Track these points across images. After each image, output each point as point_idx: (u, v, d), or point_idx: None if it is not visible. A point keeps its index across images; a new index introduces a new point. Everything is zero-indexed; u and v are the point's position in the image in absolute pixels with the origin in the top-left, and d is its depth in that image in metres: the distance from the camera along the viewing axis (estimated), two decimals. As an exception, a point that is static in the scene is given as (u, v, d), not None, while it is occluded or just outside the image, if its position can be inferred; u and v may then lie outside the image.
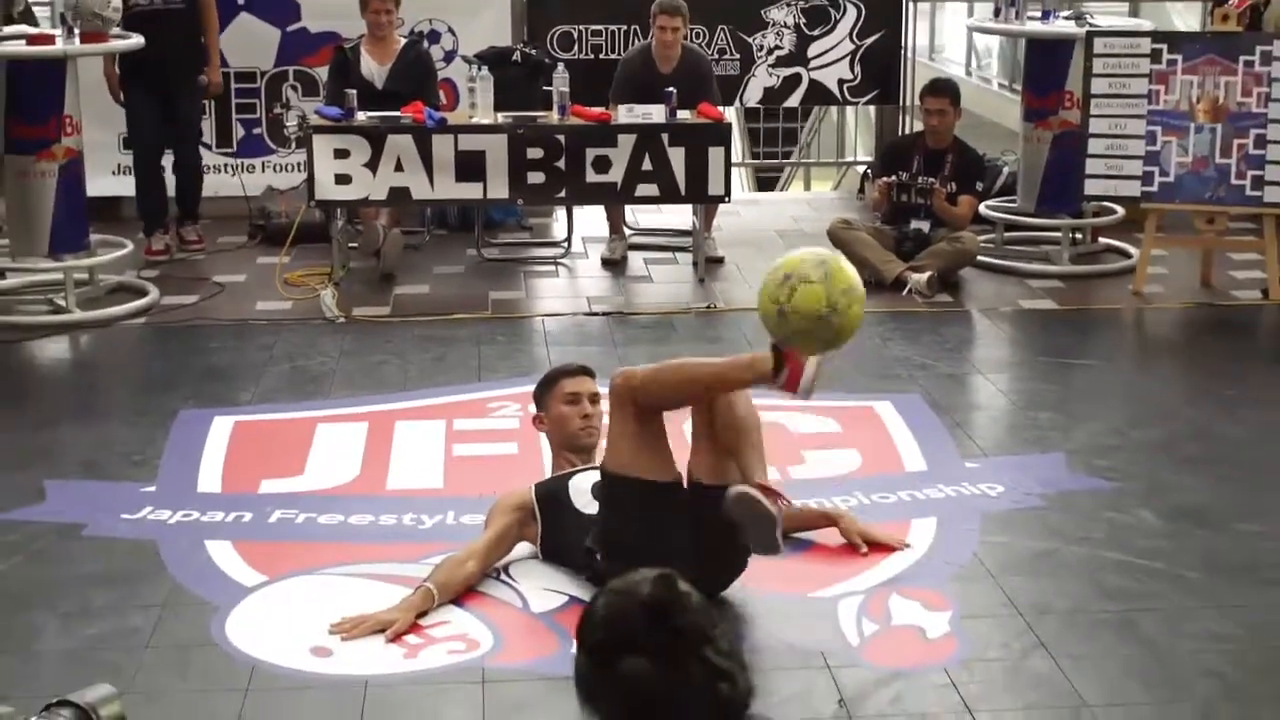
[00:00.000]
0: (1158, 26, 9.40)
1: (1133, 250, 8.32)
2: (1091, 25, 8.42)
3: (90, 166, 7.84)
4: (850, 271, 4.04)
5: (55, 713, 2.14)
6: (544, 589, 4.54)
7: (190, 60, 8.32)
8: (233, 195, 9.05)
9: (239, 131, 9.20)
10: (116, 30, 7.52)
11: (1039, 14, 8.86)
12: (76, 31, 7.30)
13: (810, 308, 3.91)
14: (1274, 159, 7.66)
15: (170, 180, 8.51)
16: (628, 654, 2.09)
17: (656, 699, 2.08)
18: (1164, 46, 7.88)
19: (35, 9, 9.31)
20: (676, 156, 7.65)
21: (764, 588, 4.55)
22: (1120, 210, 8.44)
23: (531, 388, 5.08)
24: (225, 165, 9.09)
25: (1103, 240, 8.72)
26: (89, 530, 4.98)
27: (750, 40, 9.64)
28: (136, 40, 7.65)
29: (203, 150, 8.77)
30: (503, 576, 4.64)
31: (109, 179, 8.90)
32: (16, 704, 3.35)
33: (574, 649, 2.18)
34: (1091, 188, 8.06)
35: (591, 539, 4.41)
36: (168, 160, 8.45)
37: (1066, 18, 8.83)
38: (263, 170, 9.29)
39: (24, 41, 7.40)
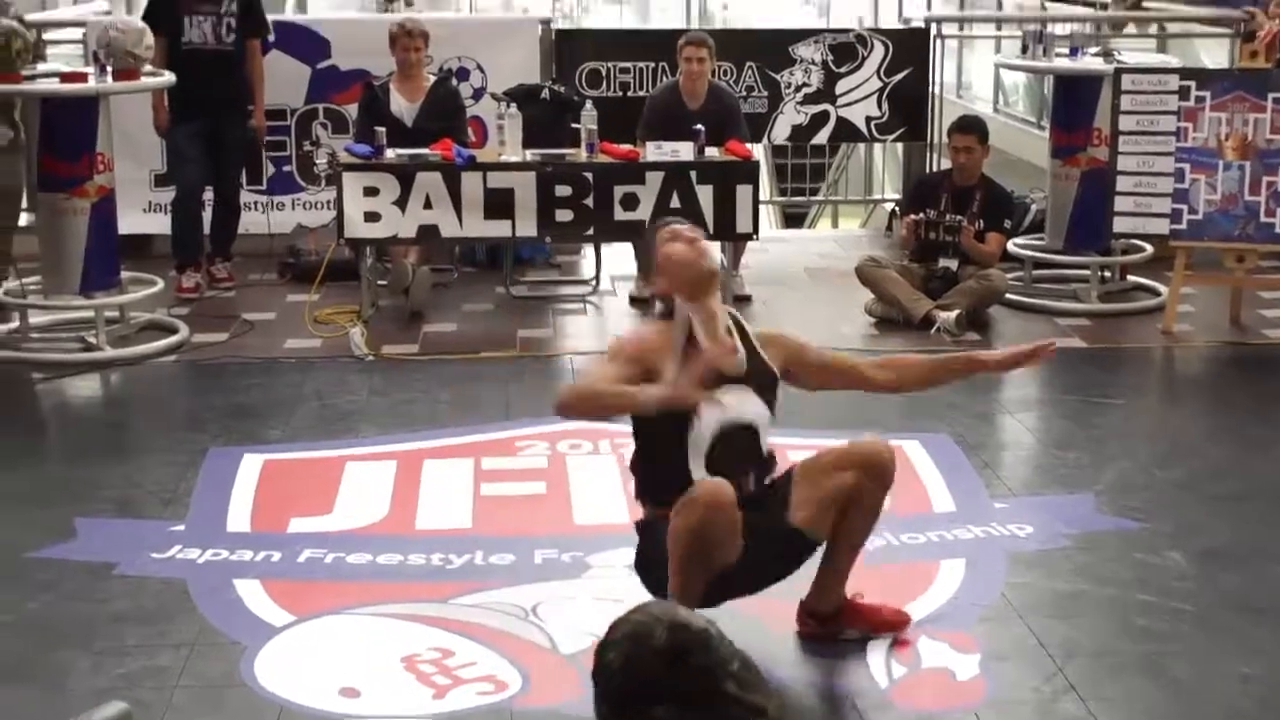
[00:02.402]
0: (1185, 63, 9.41)
1: (1162, 288, 8.31)
2: (1119, 62, 8.43)
3: (121, 204, 7.88)
4: None
5: None
6: (572, 630, 4.55)
7: (238, 101, 8.39)
8: (262, 233, 9.09)
9: (269, 169, 9.24)
10: (148, 68, 7.57)
11: (1067, 51, 8.88)
12: (109, 69, 7.35)
13: None
14: (1304, 197, 7.68)
15: (206, 218, 8.54)
16: (654, 703, 2.06)
17: None
18: (1192, 83, 7.89)
19: (57, 45, 9.36)
20: (705, 194, 7.66)
21: (793, 629, 4.55)
22: (1149, 248, 8.45)
23: (560, 426, 5.06)
24: (255, 203, 9.12)
25: (1131, 278, 8.72)
26: (119, 569, 5.00)
27: (778, 77, 9.66)
28: (168, 78, 7.71)
29: (233, 187, 8.81)
30: (531, 617, 4.65)
31: (140, 216, 8.94)
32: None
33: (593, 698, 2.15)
34: (1120, 225, 8.07)
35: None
36: (205, 197, 8.49)
37: (1094, 55, 8.84)
38: (292, 208, 9.33)
39: (57, 79, 7.45)
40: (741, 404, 4.26)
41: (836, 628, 4.53)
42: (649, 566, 4.39)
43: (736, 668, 2.09)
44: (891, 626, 4.55)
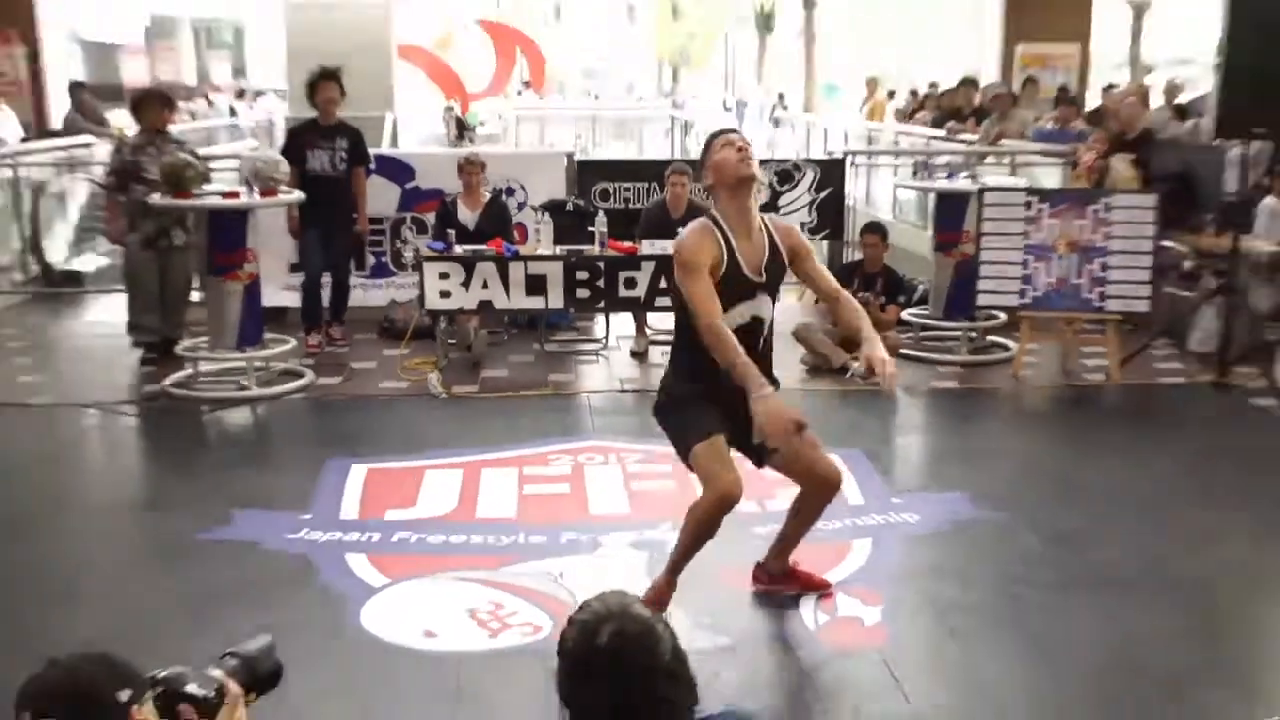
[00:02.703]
0: (1030, 184, 9.47)
1: (1013, 345, 8.34)
2: (982, 184, 8.49)
3: (265, 285, 7.93)
4: None
5: (225, 661, 2.14)
6: (589, 589, 4.55)
7: (346, 212, 8.43)
8: (366, 305, 9.14)
9: (370, 260, 9.29)
10: (284, 189, 7.65)
11: (945, 175, 8.95)
12: (255, 189, 7.43)
13: None
14: (1113, 279, 7.72)
15: (325, 294, 8.60)
16: (597, 680, 1.99)
17: (617, 711, 1.99)
18: (1035, 198, 7.95)
19: (220, 171, 9.44)
20: (684, 278, 7.69)
21: (749, 586, 4.60)
22: (1004, 316, 8.47)
23: (580, 444, 5.05)
24: (361, 284, 9.16)
25: (991, 338, 8.73)
26: (263, 545, 5.05)
27: (737, 194, 9.69)
28: (299, 195, 7.77)
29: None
30: (559, 580, 4.68)
31: (279, 293, 8.97)
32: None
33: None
34: (982, 300, 8.10)
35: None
36: (325, 279, 8.55)
37: (965, 177, 8.90)
38: (388, 287, 9.37)
39: (220, 197, 7.52)
40: (758, 309, 4.14)
41: (781, 584, 4.56)
42: (667, 413, 4.26)
43: (669, 661, 2.00)
44: (817, 588, 4.58)
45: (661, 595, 4.22)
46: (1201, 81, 15.28)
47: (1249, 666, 4.21)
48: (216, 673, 2.08)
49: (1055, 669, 4.06)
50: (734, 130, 4.35)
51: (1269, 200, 8.80)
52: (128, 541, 5.26)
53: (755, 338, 4.15)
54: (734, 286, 4.08)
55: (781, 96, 33.44)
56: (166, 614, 4.42)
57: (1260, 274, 8.45)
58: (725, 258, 4.07)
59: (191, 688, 2.00)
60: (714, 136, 4.28)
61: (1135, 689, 3.93)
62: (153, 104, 8.12)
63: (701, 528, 4.14)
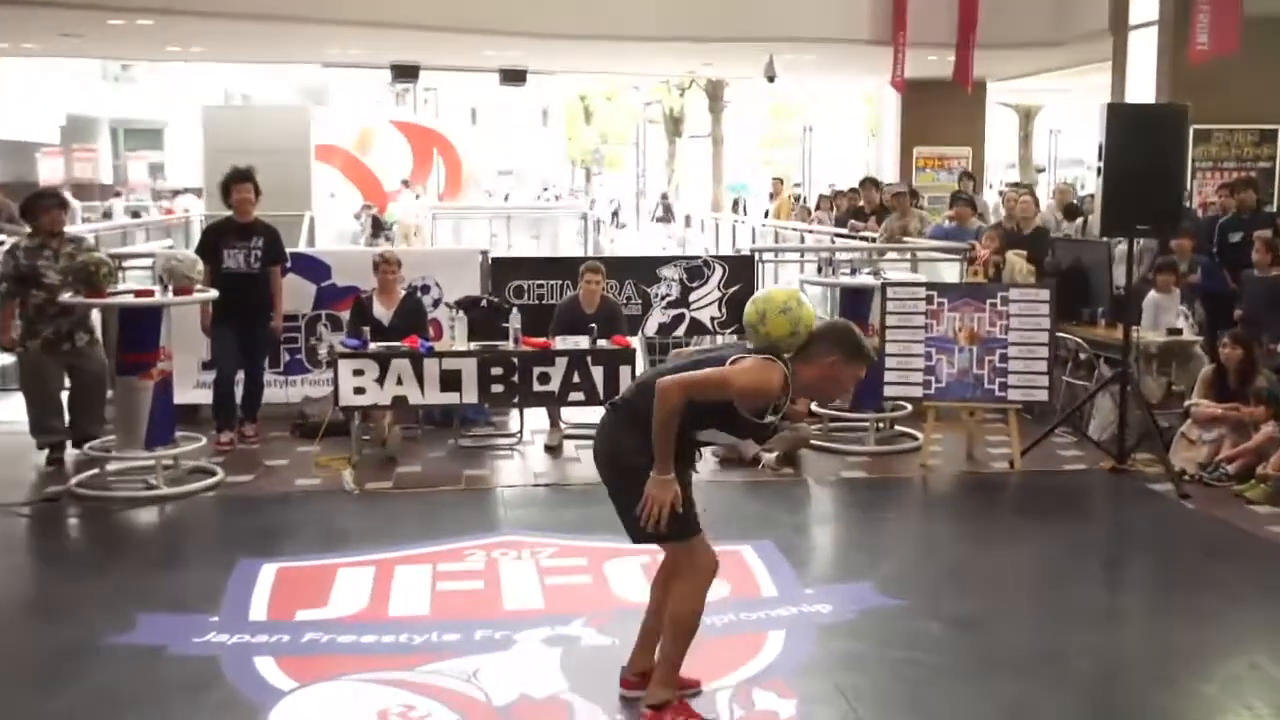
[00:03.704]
0: (930, 279, 9.63)
1: (919, 434, 8.40)
2: (885, 279, 8.60)
3: (176, 382, 7.73)
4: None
5: None
6: (502, 688, 4.45)
7: (263, 309, 8.31)
8: (280, 402, 8.98)
9: (285, 356, 9.15)
10: (198, 287, 7.52)
11: (849, 271, 9.05)
12: (170, 288, 7.29)
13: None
14: (1013, 369, 7.83)
15: (238, 392, 8.43)
16: None
17: None
18: (935, 293, 8.07)
19: (133, 270, 9.27)
20: (597, 373, 7.68)
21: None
22: (909, 406, 8.54)
23: (494, 539, 4.93)
24: (275, 380, 9.01)
25: (898, 428, 8.80)
26: (169, 650, 4.83)
27: (649, 290, 9.76)
28: (213, 294, 7.66)
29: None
30: (472, 680, 4.54)
31: (191, 391, 8.79)
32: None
33: None
34: (889, 391, 8.16)
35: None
36: (238, 377, 8.39)
37: (868, 273, 9.02)
38: (302, 384, 9.22)
39: (133, 295, 7.37)
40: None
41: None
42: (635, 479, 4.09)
43: None
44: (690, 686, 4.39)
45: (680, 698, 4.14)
46: (1089, 181, 15.75)
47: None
48: None
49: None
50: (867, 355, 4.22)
51: (1153, 294, 9.07)
52: (22, 649, 5.00)
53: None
54: (734, 421, 4.06)
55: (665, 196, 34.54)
56: (65, 724, 4.20)
57: (1151, 364, 8.67)
58: (770, 410, 4.05)
59: None
60: (854, 353, 4.17)
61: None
62: (46, 206, 7.80)
63: (700, 608, 4.07)
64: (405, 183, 24.40)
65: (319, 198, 23.47)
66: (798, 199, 20.96)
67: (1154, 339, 8.69)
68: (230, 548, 6.15)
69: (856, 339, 4.16)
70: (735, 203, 23.48)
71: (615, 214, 44.66)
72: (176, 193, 24.07)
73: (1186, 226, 9.54)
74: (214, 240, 8.28)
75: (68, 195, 10.55)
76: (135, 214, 22.71)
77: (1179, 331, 8.79)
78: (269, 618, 5.22)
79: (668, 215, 35.97)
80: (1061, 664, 4.73)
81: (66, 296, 7.22)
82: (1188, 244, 9.76)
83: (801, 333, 4.09)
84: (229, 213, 8.39)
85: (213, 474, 7.45)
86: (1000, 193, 15.75)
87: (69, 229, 8.31)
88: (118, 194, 23.94)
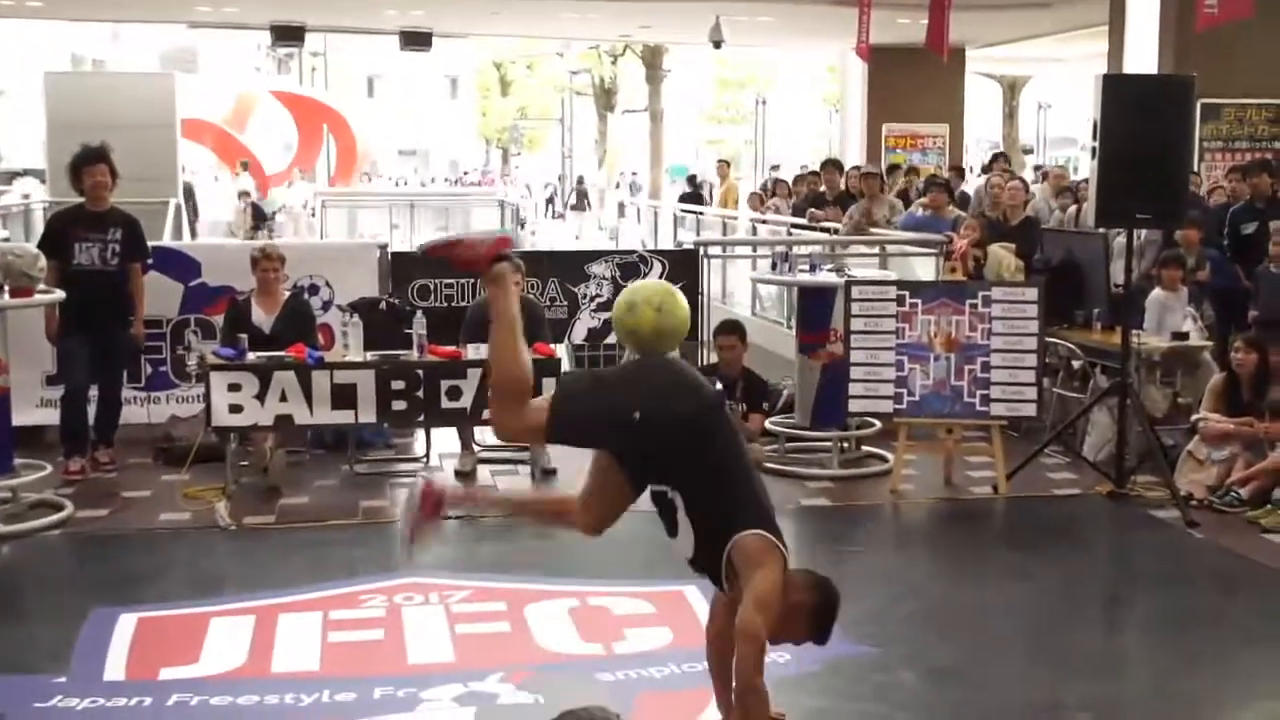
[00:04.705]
0: (902, 277, 9.71)
1: (889, 456, 8.45)
2: (849, 276, 8.62)
3: (16, 400, 7.65)
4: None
5: None
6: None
7: (120, 313, 8.21)
8: (141, 422, 8.88)
9: (147, 369, 9.05)
10: (41, 287, 7.42)
11: (807, 267, 9.11)
12: (6, 288, 7.19)
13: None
14: (996, 380, 7.92)
15: (91, 411, 8.31)
16: None
17: None
18: (906, 293, 8.13)
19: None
20: (516, 386, 7.67)
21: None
22: (878, 424, 8.60)
23: (396, 581, 4.92)
24: (135, 398, 8.91)
25: (865, 448, 8.85)
26: (7, 719, 4.76)
27: (576, 290, 9.77)
28: (58, 295, 7.57)
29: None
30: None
31: (33, 410, 8.67)
32: None
33: None
34: (854, 406, 8.22)
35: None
36: (91, 393, 8.27)
37: (829, 270, 9.06)
38: (167, 401, 9.13)
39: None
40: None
41: None
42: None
43: None
44: None
45: None
46: (1083, 163, 15.96)
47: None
48: None
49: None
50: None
51: (1156, 293, 9.19)
52: None
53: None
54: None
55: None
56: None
57: (1154, 373, 8.79)
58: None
59: None
60: (818, 626, 4.27)
61: None
62: None
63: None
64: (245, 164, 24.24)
65: (203, 182, 23.28)
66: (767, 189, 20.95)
67: (1157, 344, 8.83)
68: (82, 595, 6.06)
69: (832, 618, 4.25)
70: (692, 184, 23.10)
71: (550, 201, 44.74)
72: (13, 175, 23.67)
73: (1193, 216, 9.71)
74: (61, 232, 8.17)
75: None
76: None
77: (1185, 335, 8.93)
78: (128, 677, 5.15)
79: (581, 203, 36.03)
80: (1056, 719, 4.78)
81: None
82: (1195, 236, 9.91)
83: (666, 329, 4.27)
84: (79, 199, 8.28)
85: (60, 508, 7.34)
86: (985, 177, 15.88)
87: None
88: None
